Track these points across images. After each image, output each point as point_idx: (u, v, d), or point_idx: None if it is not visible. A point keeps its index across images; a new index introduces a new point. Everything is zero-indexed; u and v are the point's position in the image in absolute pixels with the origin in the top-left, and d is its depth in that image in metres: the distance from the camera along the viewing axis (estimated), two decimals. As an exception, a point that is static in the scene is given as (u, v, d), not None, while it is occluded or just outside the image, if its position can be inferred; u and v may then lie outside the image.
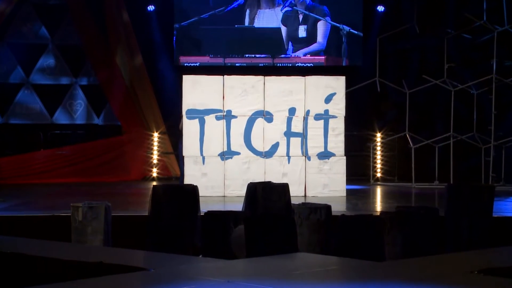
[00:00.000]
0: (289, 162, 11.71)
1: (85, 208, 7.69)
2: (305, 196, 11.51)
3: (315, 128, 11.72)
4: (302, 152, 11.77)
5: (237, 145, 11.67)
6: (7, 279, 5.56)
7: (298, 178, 11.63)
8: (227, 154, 11.66)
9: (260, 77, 11.77)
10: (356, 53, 15.51)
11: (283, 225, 6.46)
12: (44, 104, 15.66)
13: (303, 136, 11.76)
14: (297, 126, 11.76)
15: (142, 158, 15.14)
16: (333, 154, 11.71)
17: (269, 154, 11.72)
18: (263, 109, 11.72)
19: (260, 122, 11.72)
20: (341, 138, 11.70)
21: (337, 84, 11.82)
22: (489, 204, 7.98)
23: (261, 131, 11.73)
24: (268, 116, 11.75)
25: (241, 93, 11.68)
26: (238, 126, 11.68)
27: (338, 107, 11.76)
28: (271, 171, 11.60)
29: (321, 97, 11.76)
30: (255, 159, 11.70)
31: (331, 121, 11.71)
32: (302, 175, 11.68)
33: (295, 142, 11.75)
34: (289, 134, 11.77)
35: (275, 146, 11.73)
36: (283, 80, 11.82)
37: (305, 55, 15.51)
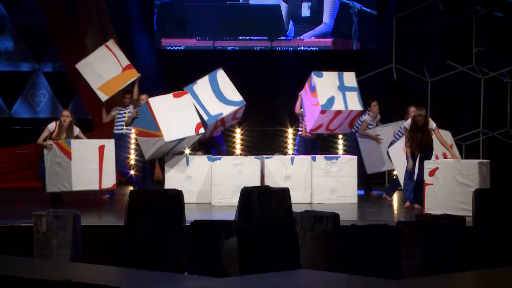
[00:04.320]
0: (292, 163, 11.61)
1: (50, 217, 7.69)
2: (310, 203, 11.48)
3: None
4: (306, 151, 11.80)
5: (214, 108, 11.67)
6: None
7: (304, 182, 11.56)
8: (208, 120, 11.57)
9: None
10: (369, 35, 15.51)
11: (282, 237, 6.47)
12: (1, 95, 15.63)
13: (307, 132, 11.77)
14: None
15: (117, 159, 15.09)
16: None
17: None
18: None
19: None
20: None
21: None
22: (525, 212, 8.01)
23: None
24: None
25: None
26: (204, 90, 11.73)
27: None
28: (270, 173, 11.57)
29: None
30: (250, 160, 11.67)
31: (340, 116, 11.75)
32: (308, 178, 11.57)
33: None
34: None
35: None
36: None
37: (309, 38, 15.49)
